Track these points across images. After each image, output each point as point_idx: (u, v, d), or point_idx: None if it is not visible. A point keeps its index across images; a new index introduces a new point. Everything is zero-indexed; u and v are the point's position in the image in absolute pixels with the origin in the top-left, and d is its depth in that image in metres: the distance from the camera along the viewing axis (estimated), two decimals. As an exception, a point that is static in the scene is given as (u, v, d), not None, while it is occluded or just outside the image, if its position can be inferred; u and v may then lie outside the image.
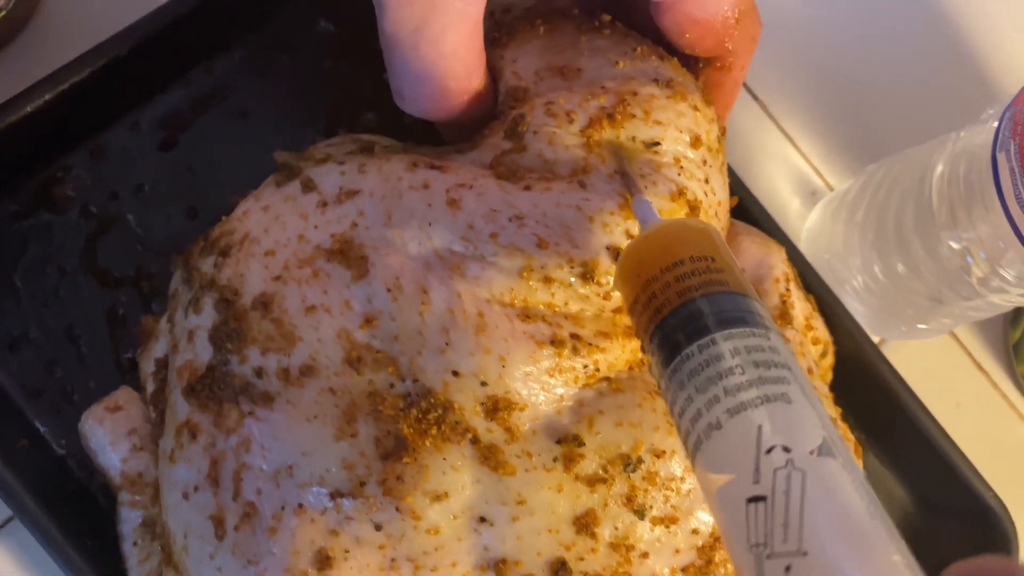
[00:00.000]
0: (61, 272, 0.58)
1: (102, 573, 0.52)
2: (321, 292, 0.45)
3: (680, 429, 0.34)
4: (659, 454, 0.44)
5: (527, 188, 0.46)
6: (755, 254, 0.54)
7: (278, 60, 0.62)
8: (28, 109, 0.54)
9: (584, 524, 0.44)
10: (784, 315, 0.53)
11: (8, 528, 0.57)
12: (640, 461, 0.44)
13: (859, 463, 0.53)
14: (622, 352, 0.46)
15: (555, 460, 0.43)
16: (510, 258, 0.44)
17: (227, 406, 0.45)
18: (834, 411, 0.54)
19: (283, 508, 0.43)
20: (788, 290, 0.54)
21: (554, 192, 0.46)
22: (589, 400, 0.44)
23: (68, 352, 0.57)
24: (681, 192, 0.47)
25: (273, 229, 0.48)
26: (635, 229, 0.45)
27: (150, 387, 0.52)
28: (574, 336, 0.44)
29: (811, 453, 0.30)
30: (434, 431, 0.43)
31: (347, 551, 0.43)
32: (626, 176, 0.45)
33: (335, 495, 0.42)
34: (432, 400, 0.43)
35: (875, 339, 0.61)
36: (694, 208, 0.47)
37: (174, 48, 0.59)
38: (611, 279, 0.45)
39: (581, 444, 0.43)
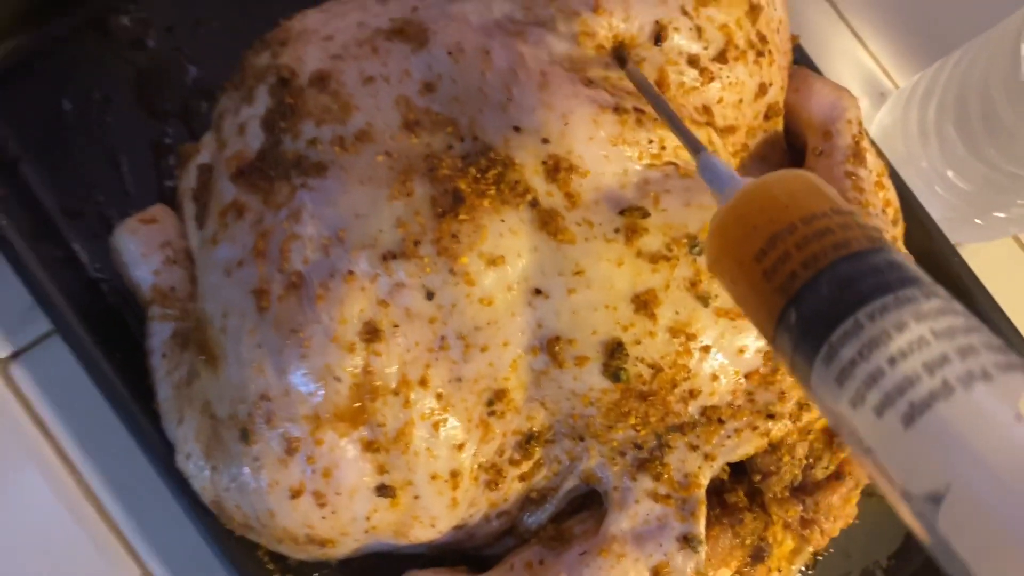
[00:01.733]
0: (108, 99, 0.59)
1: (131, 386, 0.52)
2: (380, 64, 0.45)
3: (873, 380, 0.26)
4: (727, 239, 0.43)
5: None
6: (827, 96, 0.54)
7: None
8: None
9: (643, 303, 0.43)
10: (857, 155, 0.52)
11: (38, 348, 0.56)
12: (707, 244, 0.43)
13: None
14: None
15: (617, 231, 0.43)
16: (568, 22, 0.45)
17: (278, 183, 0.45)
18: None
19: (332, 276, 0.42)
20: (861, 133, 0.53)
21: None
22: (656, 179, 0.44)
23: (110, 178, 0.58)
24: None
25: (333, 21, 0.49)
26: (691, 5, 0.45)
27: (191, 186, 0.52)
28: (637, 109, 0.44)
29: None
30: (493, 191, 0.42)
31: (396, 325, 0.42)
32: (683, 134, 0.41)
33: (387, 258, 0.42)
34: (492, 156, 0.42)
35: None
36: (755, 9, 0.47)
37: None
38: (646, 53, 0.45)
39: (646, 215, 0.43)
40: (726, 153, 0.47)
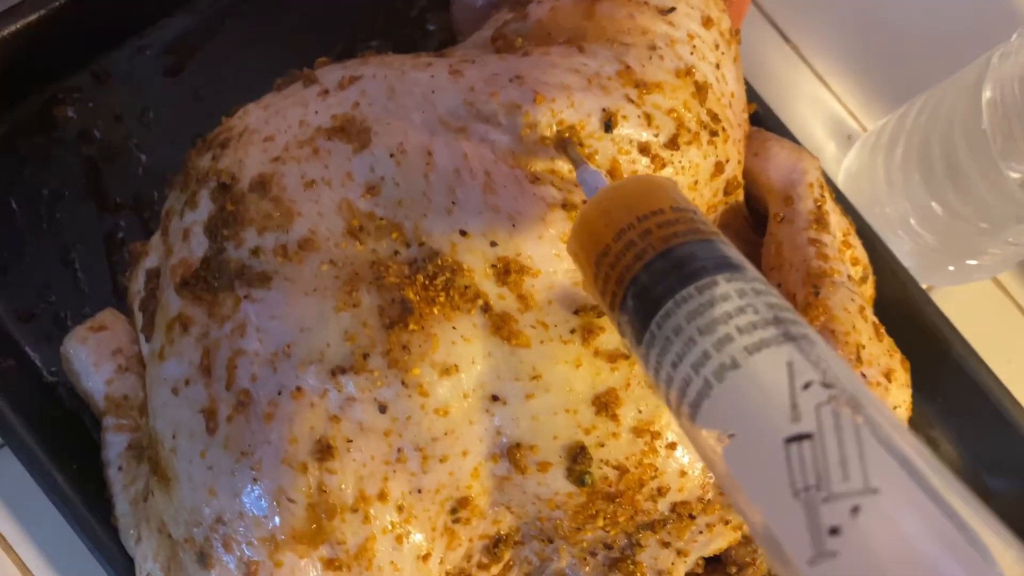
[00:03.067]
0: (58, 195, 0.57)
1: (88, 499, 0.50)
2: (322, 167, 0.44)
3: (670, 382, 0.29)
4: (687, 332, 0.42)
5: (526, 54, 0.45)
6: (786, 159, 0.52)
7: (289, -12, 0.62)
8: (31, 18, 0.54)
9: (604, 404, 0.41)
10: (819, 220, 0.51)
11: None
12: (666, 339, 0.41)
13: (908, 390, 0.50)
14: None
15: (572, 332, 0.41)
16: (510, 115, 0.43)
17: (222, 294, 0.43)
18: (886, 340, 0.51)
19: (280, 393, 0.40)
20: (823, 196, 0.52)
21: (552, 56, 0.45)
22: None
23: (63, 276, 0.56)
24: (689, 71, 0.45)
25: (273, 120, 0.47)
26: (635, 95, 0.44)
27: (140, 296, 0.50)
28: (586, 202, 0.42)
29: (849, 389, 0.26)
30: (442, 298, 0.40)
31: (349, 440, 0.40)
32: (571, 152, 0.42)
33: (336, 372, 0.40)
34: (440, 263, 0.41)
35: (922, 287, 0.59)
36: (701, 90, 0.46)
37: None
38: (597, 143, 0.43)
39: (601, 315, 0.41)
40: None
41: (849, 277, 0.50)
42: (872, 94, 0.69)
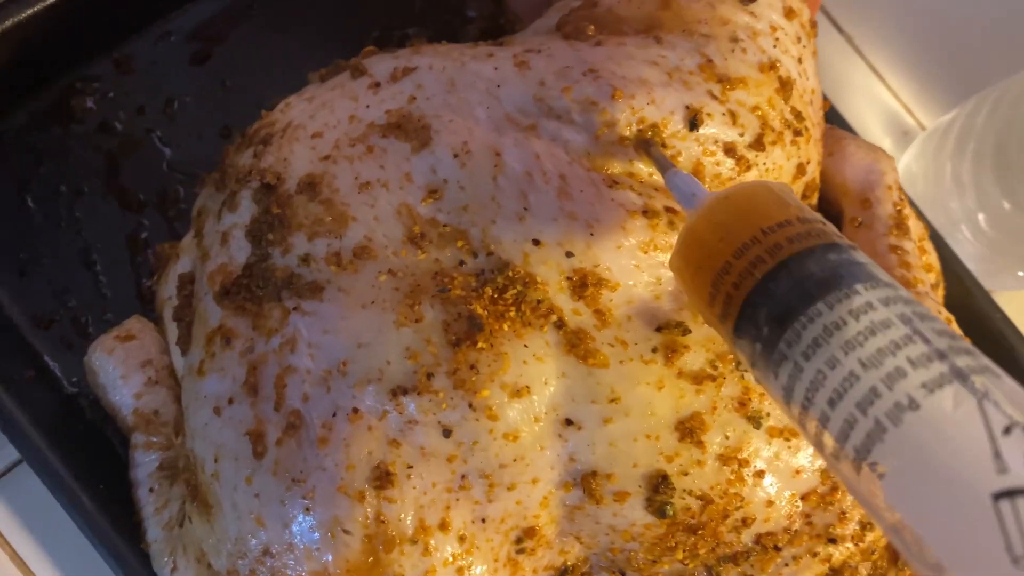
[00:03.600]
0: (77, 192, 0.53)
1: (115, 522, 0.46)
2: (377, 167, 0.40)
3: (827, 419, 0.25)
4: (776, 351, 0.38)
5: (598, 44, 0.42)
6: (863, 159, 0.49)
7: (321, -29, 0.58)
8: (48, 1, 0.50)
9: (689, 430, 0.38)
10: (900, 225, 0.47)
11: (15, 472, 0.51)
12: (755, 358, 0.38)
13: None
14: None
15: (654, 351, 0.38)
16: (586, 112, 0.40)
17: (268, 305, 0.39)
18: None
19: (335, 415, 0.37)
20: (902, 200, 0.48)
21: (628, 46, 0.41)
22: None
23: (83, 279, 0.52)
24: (772, 65, 0.42)
25: (320, 114, 0.43)
26: (718, 90, 0.40)
27: (172, 305, 0.46)
28: (669, 210, 0.39)
29: None
30: (513, 312, 0.37)
31: (410, 466, 0.37)
32: (655, 154, 0.39)
33: (397, 393, 0.37)
34: (510, 274, 0.37)
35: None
36: (785, 86, 0.42)
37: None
38: (680, 144, 0.40)
39: (686, 332, 0.37)
40: None
41: (931, 286, 0.47)
42: (930, 89, 0.66)
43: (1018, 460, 0.22)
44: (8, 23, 0.49)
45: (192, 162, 0.54)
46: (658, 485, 0.38)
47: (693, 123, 0.39)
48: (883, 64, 0.66)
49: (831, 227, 0.29)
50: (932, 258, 0.51)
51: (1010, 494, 0.21)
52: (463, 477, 0.37)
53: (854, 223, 0.48)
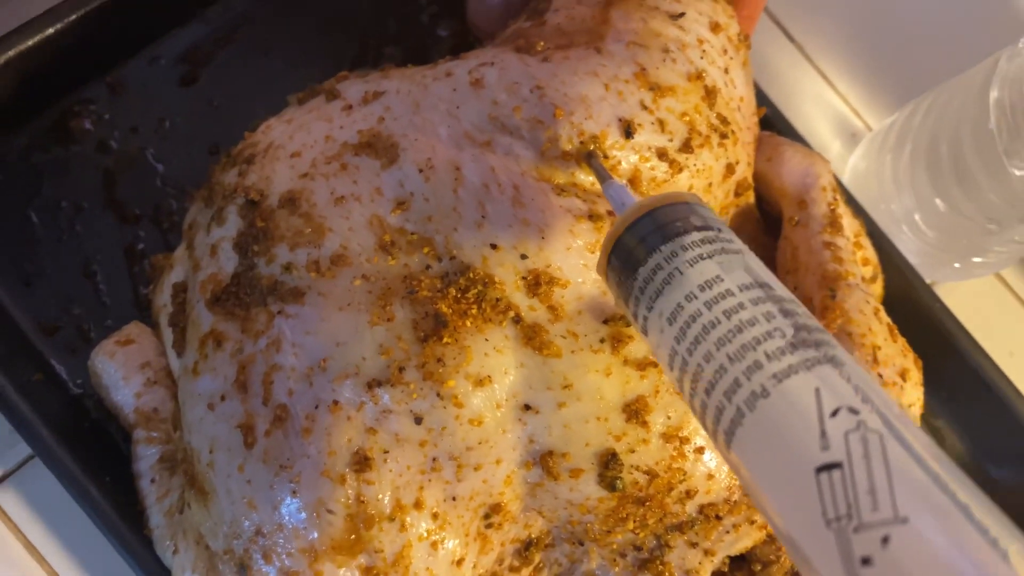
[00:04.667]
0: (77, 208, 0.58)
1: (121, 510, 0.50)
2: (350, 183, 0.44)
3: (705, 408, 0.30)
4: (712, 339, 0.43)
5: (545, 59, 0.47)
6: (799, 163, 0.53)
7: (300, -4, 0.63)
8: (47, 33, 0.54)
9: (635, 411, 0.42)
10: (833, 223, 0.52)
11: (27, 468, 0.55)
12: (692, 346, 0.42)
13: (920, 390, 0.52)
14: None
15: (602, 341, 0.42)
16: (533, 130, 0.45)
17: (255, 310, 0.44)
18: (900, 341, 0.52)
19: (317, 407, 0.41)
20: (836, 199, 0.53)
21: (571, 60, 0.46)
22: None
23: (84, 289, 0.57)
24: (699, 75, 0.47)
25: (298, 135, 0.48)
26: (649, 99, 0.45)
27: (167, 311, 0.50)
28: (611, 213, 0.43)
29: (877, 412, 0.27)
30: (474, 310, 0.41)
31: (386, 451, 0.41)
32: (595, 165, 0.43)
33: (372, 385, 0.41)
34: (471, 276, 0.41)
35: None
36: (711, 94, 0.47)
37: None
38: (619, 153, 0.45)
39: (629, 324, 0.42)
40: None
41: (862, 278, 0.51)
42: (876, 93, 0.70)
43: (839, 439, 0.26)
44: (10, 53, 0.53)
45: (183, 177, 0.59)
46: (608, 462, 0.42)
47: (628, 132, 0.44)
48: (832, 70, 0.70)
49: (726, 234, 0.34)
50: (869, 253, 0.55)
51: (828, 467, 0.26)
52: (434, 460, 0.42)
53: (792, 222, 0.52)
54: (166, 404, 0.52)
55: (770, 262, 0.55)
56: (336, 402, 0.41)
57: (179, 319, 0.48)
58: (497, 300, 0.41)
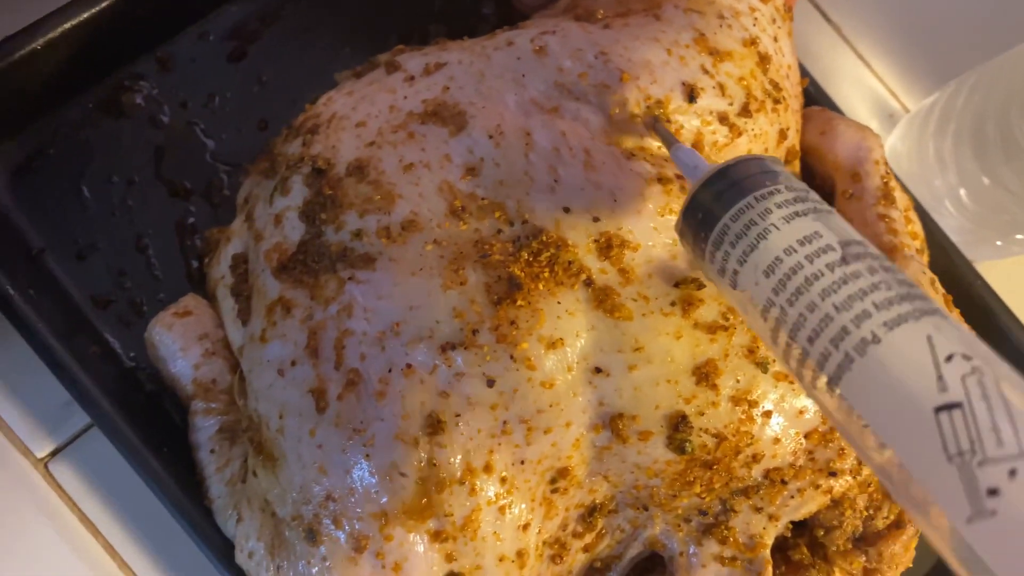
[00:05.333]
0: (129, 182, 0.58)
1: (180, 480, 0.51)
2: (419, 150, 0.45)
3: (807, 354, 0.31)
4: (780, 304, 0.43)
5: (607, 26, 0.48)
6: (852, 137, 0.54)
7: (347, -26, 0.63)
8: (100, 6, 0.54)
9: (704, 375, 0.43)
10: (887, 196, 0.53)
11: (78, 444, 0.55)
12: (761, 310, 0.43)
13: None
14: None
15: (673, 304, 0.43)
16: (599, 94, 0.45)
17: (324, 277, 0.44)
18: (955, 312, 0.53)
19: (390, 371, 0.42)
20: (888, 173, 0.54)
21: (631, 26, 0.47)
22: None
23: (137, 263, 0.57)
24: (753, 41, 0.48)
25: (361, 106, 0.48)
26: (709, 63, 0.46)
27: (226, 283, 0.51)
28: (679, 177, 0.44)
29: (985, 358, 0.28)
30: (547, 273, 0.42)
31: (458, 414, 0.42)
32: (661, 130, 0.45)
33: (445, 348, 0.41)
34: (544, 239, 0.42)
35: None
36: (764, 60, 0.48)
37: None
38: (682, 117, 0.46)
39: (700, 287, 0.43)
40: None
41: (916, 251, 0.52)
42: (914, 74, 0.71)
43: (956, 382, 0.27)
44: (64, 26, 0.54)
45: (233, 153, 0.59)
46: (678, 424, 0.43)
47: (691, 97, 0.45)
48: (869, 51, 0.71)
49: (815, 194, 0.35)
50: (917, 227, 0.56)
51: (947, 407, 0.27)
52: (504, 423, 0.42)
53: (845, 195, 0.53)
54: (224, 375, 0.52)
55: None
56: (410, 365, 0.41)
57: (242, 288, 0.48)
58: (569, 263, 0.42)
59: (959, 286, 0.60)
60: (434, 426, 0.42)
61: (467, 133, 0.44)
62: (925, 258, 0.58)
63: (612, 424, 0.43)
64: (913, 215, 0.56)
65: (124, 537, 0.54)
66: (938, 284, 0.51)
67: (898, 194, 0.54)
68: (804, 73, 0.60)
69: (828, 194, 0.55)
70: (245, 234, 0.50)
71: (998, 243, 0.64)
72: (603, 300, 0.42)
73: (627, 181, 0.43)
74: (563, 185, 0.43)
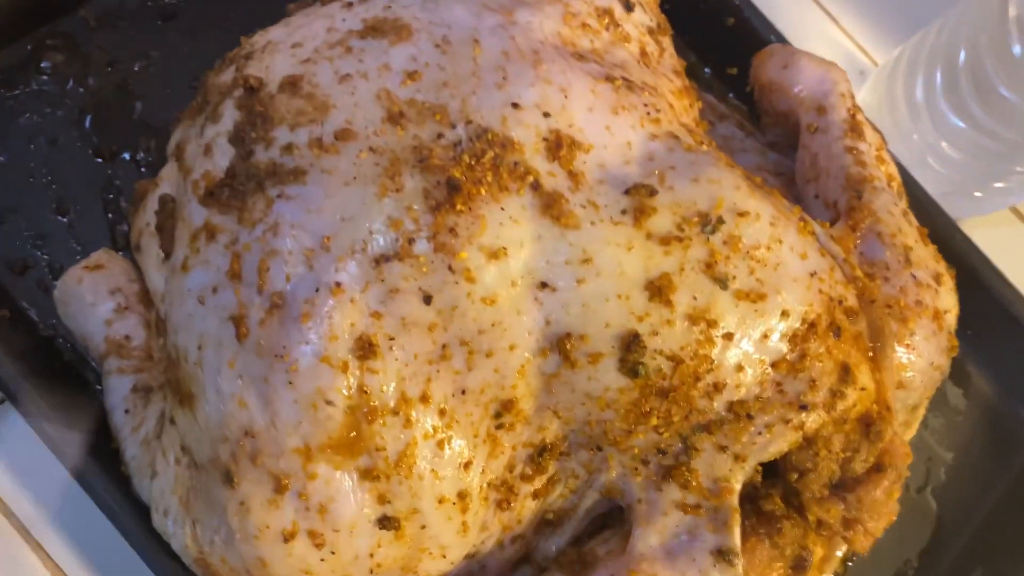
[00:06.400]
0: (52, 142, 0.56)
1: (97, 454, 0.48)
2: (356, 62, 0.43)
3: None
4: (742, 214, 0.41)
5: None
6: (816, 69, 0.53)
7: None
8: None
9: (658, 289, 0.40)
10: (854, 129, 0.51)
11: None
12: (720, 221, 0.41)
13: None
14: (677, 106, 0.46)
15: (624, 213, 0.40)
16: (552, 4, 0.45)
17: (252, 199, 0.42)
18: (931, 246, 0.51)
19: (317, 290, 0.39)
20: (855, 106, 0.52)
21: None
22: (659, 154, 0.42)
23: (57, 227, 0.55)
24: None
25: (298, 32, 0.46)
26: None
27: (150, 229, 0.48)
28: (625, 79, 0.43)
29: None
30: (490, 176, 0.40)
31: (392, 337, 0.39)
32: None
33: (379, 261, 0.39)
34: (489, 138, 0.40)
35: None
36: None
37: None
38: (626, 25, 0.48)
39: (653, 193, 0.40)
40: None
41: (888, 187, 0.50)
42: (881, 27, 0.71)
43: None
44: None
45: (162, 115, 0.57)
46: (630, 344, 0.40)
47: (629, 7, 0.48)
48: (836, 8, 0.70)
49: None
50: (892, 169, 0.54)
51: None
52: (444, 346, 0.40)
53: (811, 129, 0.51)
54: (139, 332, 0.49)
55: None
56: (339, 284, 0.39)
57: (166, 223, 0.46)
58: (515, 164, 0.40)
59: (940, 243, 0.58)
60: (365, 349, 0.39)
61: (411, 42, 0.43)
62: (904, 202, 0.56)
63: (560, 345, 0.40)
64: (886, 155, 0.55)
65: (39, 517, 0.51)
66: (912, 217, 0.49)
67: (868, 130, 0.52)
68: (771, 31, 0.60)
69: (792, 131, 0.54)
70: (174, 175, 0.48)
71: (977, 194, 0.62)
72: (550, 206, 0.40)
73: (578, 78, 0.42)
74: (511, 82, 0.41)
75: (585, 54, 0.45)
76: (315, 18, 0.47)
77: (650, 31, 0.49)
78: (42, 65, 0.57)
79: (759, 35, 0.59)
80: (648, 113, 0.43)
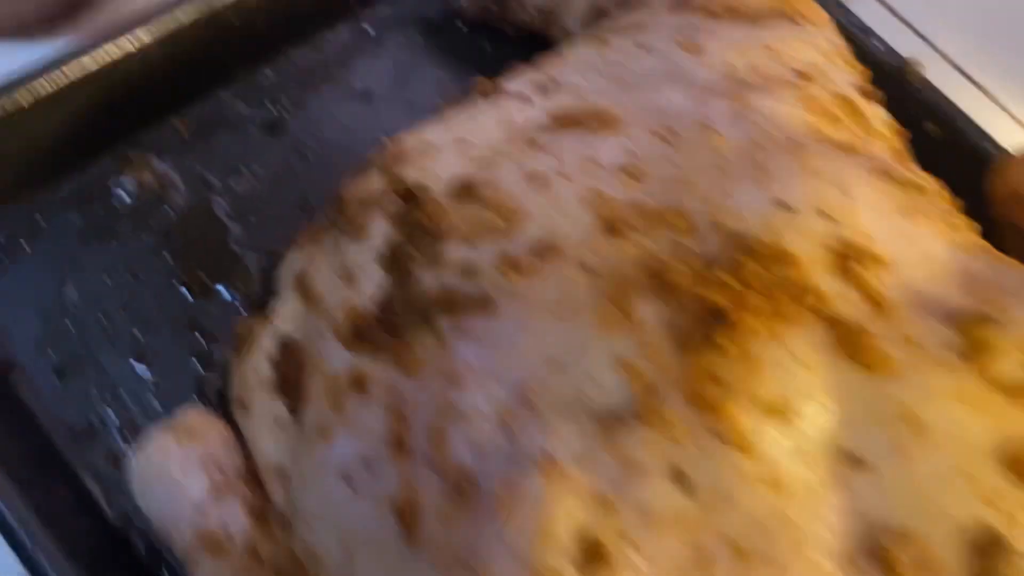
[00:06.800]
0: (132, 274, 0.46)
1: None
2: (549, 158, 0.33)
3: None
4: None
5: (713, 16, 0.40)
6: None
7: (400, 32, 0.54)
8: (96, 66, 0.45)
9: (1017, 463, 0.28)
10: None
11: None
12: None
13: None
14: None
15: (951, 351, 0.29)
16: (782, 87, 0.35)
17: (417, 336, 0.31)
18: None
19: (519, 465, 0.28)
20: None
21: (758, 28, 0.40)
22: (979, 270, 0.31)
23: (132, 379, 0.44)
24: None
25: (460, 128, 0.37)
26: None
27: (266, 376, 0.37)
28: (910, 172, 0.34)
29: None
30: (762, 302, 0.28)
31: (628, 536, 0.27)
32: None
33: (607, 424, 0.27)
34: (754, 248, 0.29)
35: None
36: None
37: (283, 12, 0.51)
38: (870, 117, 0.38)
39: (990, 324, 0.29)
40: None
41: None
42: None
43: None
44: (60, 84, 0.45)
45: (264, 241, 0.48)
46: (986, 548, 0.27)
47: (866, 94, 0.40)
48: None
49: None
50: None
51: None
52: (700, 549, 0.27)
53: None
54: (240, 521, 0.38)
55: None
56: (551, 457, 0.27)
57: (291, 373, 0.35)
58: (794, 284, 0.28)
59: None
60: (589, 554, 0.27)
61: (622, 133, 0.33)
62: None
63: (878, 550, 0.28)
64: None
65: None
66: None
67: None
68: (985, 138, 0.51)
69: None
70: (298, 312, 0.37)
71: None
72: (850, 343, 0.28)
73: (854, 172, 0.31)
74: (771, 175, 0.30)
75: (846, 145, 0.34)
76: (480, 113, 0.37)
77: (888, 127, 0.40)
78: (123, 182, 0.48)
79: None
80: (943, 217, 0.33)
